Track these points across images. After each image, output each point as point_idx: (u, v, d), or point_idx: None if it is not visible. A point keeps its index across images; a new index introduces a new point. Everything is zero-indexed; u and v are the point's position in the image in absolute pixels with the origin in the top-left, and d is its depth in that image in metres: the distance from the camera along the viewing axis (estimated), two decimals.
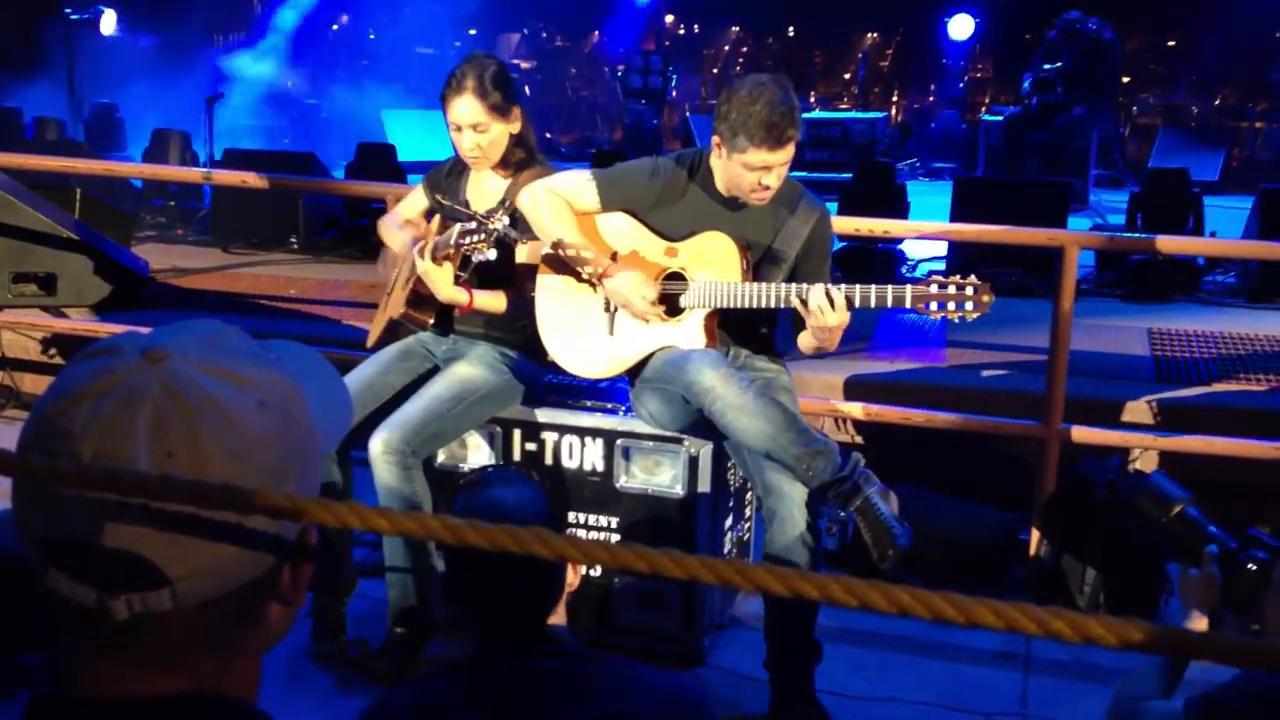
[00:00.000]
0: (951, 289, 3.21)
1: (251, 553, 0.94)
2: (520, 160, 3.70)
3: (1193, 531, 3.04)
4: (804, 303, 3.24)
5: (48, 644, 0.96)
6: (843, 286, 3.24)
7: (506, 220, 3.44)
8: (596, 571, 3.73)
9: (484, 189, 3.74)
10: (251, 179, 5.70)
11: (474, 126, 3.58)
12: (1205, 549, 2.57)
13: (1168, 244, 4.73)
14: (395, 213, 3.99)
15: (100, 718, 0.94)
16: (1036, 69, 11.03)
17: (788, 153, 3.29)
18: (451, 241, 3.46)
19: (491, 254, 3.49)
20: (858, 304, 3.25)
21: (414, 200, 3.97)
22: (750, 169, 3.29)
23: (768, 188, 3.34)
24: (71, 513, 0.89)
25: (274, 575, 0.98)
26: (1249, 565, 2.48)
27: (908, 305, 3.23)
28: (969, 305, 3.21)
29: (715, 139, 3.36)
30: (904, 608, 0.69)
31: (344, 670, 3.65)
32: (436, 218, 3.70)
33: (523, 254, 3.66)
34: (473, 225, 3.44)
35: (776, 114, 3.22)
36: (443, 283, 3.52)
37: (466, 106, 3.57)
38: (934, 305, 3.22)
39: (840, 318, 3.23)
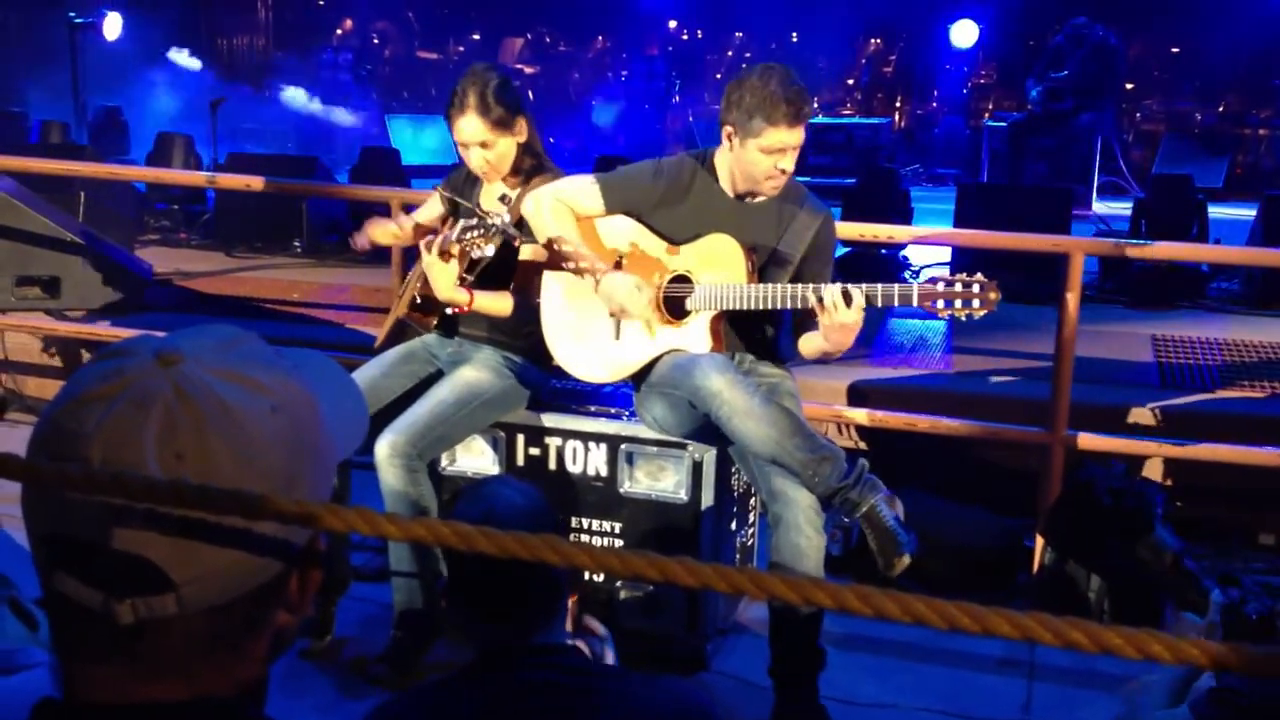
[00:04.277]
0: (958, 287, 3.19)
1: (259, 559, 0.93)
2: (531, 168, 3.70)
3: (1189, 581, 3.03)
4: (819, 299, 3.22)
5: (54, 648, 0.96)
6: (849, 286, 3.23)
7: (507, 217, 3.43)
8: (599, 576, 3.72)
9: (497, 197, 3.74)
10: (256, 182, 5.70)
11: (480, 144, 3.59)
12: (1211, 597, 2.55)
13: (1172, 250, 4.73)
14: (408, 218, 4.02)
15: None
16: (1042, 75, 11.02)
17: (802, 132, 3.34)
18: (454, 237, 3.45)
19: (490, 250, 3.46)
20: (864, 303, 3.24)
21: (430, 208, 4.00)
22: (768, 152, 3.30)
23: (784, 171, 3.36)
24: (79, 514, 0.88)
25: (281, 582, 0.97)
26: (1253, 616, 2.47)
27: (915, 304, 3.21)
28: (976, 303, 3.19)
29: (727, 129, 3.36)
30: (919, 617, 0.69)
31: (346, 674, 3.64)
32: (450, 217, 3.70)
33: (527, 253, 3.65)
34: (474, 221, 3.43)
35: (792, 91, 3.27)
36: (444, 281, 3.50)
37: (470, 125, 3.56)
38: (941, 303, 3.20)
39: (855, 316, 3.21)
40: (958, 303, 3.19)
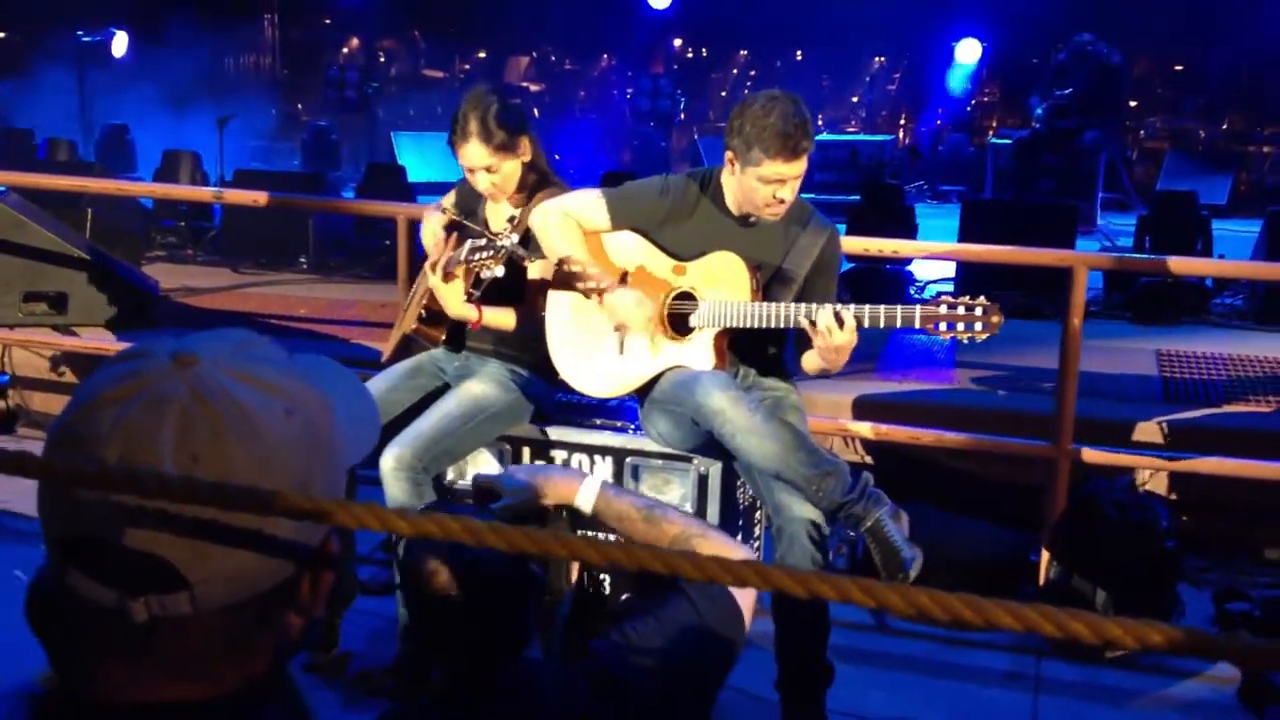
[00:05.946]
0: (961, 309, 3.20)
1: (272, 559, 0.94)
2: (535, 183, 3.72)
3: None
4: (812, 323, 3.24)
5: (64, 646, 0.96)
6: (851, 307, 3.24)
7: (515, 238, 3.46)
8: (606, 588, 3.72)
9: (502, 211, 3.77)
10: (263, 198, 5.72)
11: (485, 169, 3.61)
12: None
13: (1177, 265, 4.73)
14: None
15: None
16: (1046, 93, 11.05)
17: (802, 165, 3.31)
18: (462, 258, 3.48)
19: (500, 271, 3.51)
20: (867, 324, 3.25)
21: (436, 221, 4.00)
22: (765, 182, 3.30)
23: (782, 201, 3.35)
24: (94, 513, 0.89)
25: (294, 584, 0.98)
26: None
27: (917, 325, 3.22)
28: (978, 326, 3.20)
29: (728, 154, 3.37)
30: (922, 609, 0.70)
31: (353, 688, 3.64)
32: (454, 235, 3.72)
33: (534, 271, 3.67)
34: (482, 242, 3.46)
35: (791, 125, 3.24)
36: (453, 299, 3.53)
37: (474, 152, 3.59)
38: (943, 326, 3.21)
39: (848, 338, 3.22)
40: (960, 325, 3.20)
